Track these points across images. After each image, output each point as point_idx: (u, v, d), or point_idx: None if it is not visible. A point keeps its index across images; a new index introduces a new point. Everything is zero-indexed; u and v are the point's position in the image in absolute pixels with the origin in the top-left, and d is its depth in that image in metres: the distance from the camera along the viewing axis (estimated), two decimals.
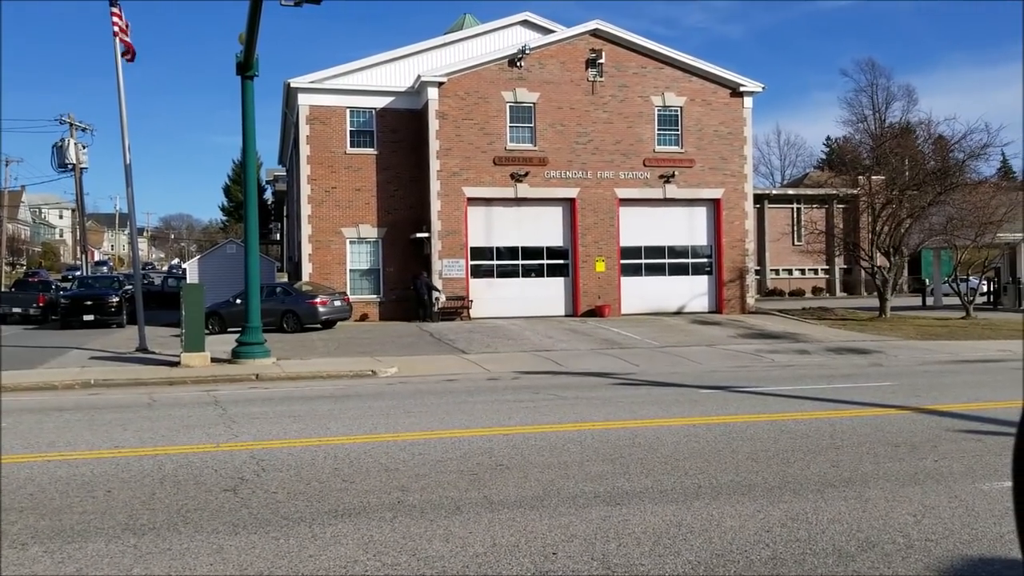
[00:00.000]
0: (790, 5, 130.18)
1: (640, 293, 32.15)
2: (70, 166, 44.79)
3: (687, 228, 33.03)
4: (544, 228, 31.72)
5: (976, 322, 28.64)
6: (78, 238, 63.29)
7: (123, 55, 21.88)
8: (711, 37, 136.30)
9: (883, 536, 5.85)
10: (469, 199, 30.65)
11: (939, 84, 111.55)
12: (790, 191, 51.01)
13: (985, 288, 38.29)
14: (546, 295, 31.58)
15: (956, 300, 32.90)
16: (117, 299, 31.13)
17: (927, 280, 42.82)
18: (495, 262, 31.53)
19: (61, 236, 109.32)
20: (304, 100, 31.03)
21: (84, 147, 45.42)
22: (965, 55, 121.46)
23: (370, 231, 31.58)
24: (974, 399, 12.37)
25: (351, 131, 31.47)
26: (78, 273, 48.73)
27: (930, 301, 38.95)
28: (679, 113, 32.46)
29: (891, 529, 6.01)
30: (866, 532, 5.94)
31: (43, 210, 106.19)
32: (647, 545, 5.69)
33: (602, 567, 5.26)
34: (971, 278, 36.09)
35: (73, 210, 77.19)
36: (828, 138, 74.83)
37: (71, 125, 45.26)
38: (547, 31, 32.94)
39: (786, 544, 5.70)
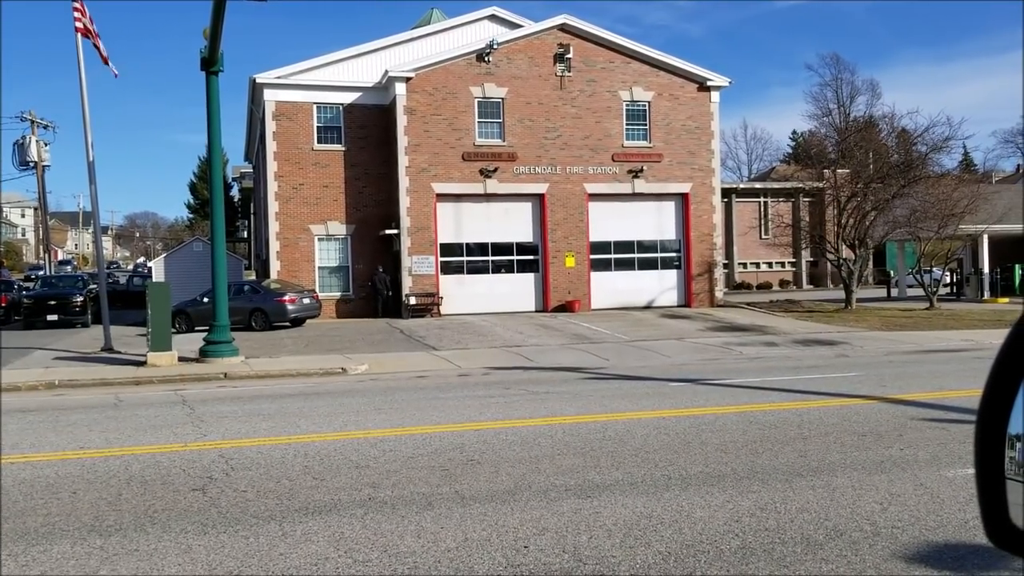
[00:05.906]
0: (748, 5, 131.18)
1: (610, 288, 32.24)
2: (32, 164, 43.98)
3: (656, 223, 33.16)
4: (514, 224, 31.69)
5: (940, 312, 29.10)
6: (41, 237, 62.24)
7: (113, 72, 21.68)
8: (672, 35, 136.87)
9: (850, 524, 5.93)
10: (438, 195, 30.55)
11: (897, 80, 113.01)
12: (757, 185, 51.33)
13: (948, 279, 38.89)
14: (516, 291, 31.55)
15: (920, 291, 33.37)
16: (82, 298, 30.59)
17: (892, 272, 43.37)
18: (465, 258, 31.46)
19: (23, 235, 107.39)
20: (270, 96, 30.72)
21: (46, 145, 44.60)
22: (919, 52, 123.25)
23: (339, 228, 31.39)
24: (938, 388, 12.56)
25: (318, 127, 31.22)
26: (41, 272, 47.85)
27: (895, 292, 39.47)
28: (647, 108, 32.55)
29: (858, 517, 6.09)
30: (834, 520, 6.02)
31: (5, 209, 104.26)
32: (618, 537, 5.72)
33: (573, 559, 5.28)
34: (934, 269, 36.64)
35: (35, 209, 75.87)
36: (794, 132, 75.55)
37: (32, 122, 44.45)
38: (515, 26, 32.90)
39: (755, 534, 5.75)
